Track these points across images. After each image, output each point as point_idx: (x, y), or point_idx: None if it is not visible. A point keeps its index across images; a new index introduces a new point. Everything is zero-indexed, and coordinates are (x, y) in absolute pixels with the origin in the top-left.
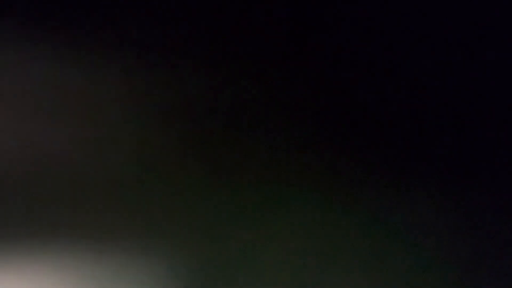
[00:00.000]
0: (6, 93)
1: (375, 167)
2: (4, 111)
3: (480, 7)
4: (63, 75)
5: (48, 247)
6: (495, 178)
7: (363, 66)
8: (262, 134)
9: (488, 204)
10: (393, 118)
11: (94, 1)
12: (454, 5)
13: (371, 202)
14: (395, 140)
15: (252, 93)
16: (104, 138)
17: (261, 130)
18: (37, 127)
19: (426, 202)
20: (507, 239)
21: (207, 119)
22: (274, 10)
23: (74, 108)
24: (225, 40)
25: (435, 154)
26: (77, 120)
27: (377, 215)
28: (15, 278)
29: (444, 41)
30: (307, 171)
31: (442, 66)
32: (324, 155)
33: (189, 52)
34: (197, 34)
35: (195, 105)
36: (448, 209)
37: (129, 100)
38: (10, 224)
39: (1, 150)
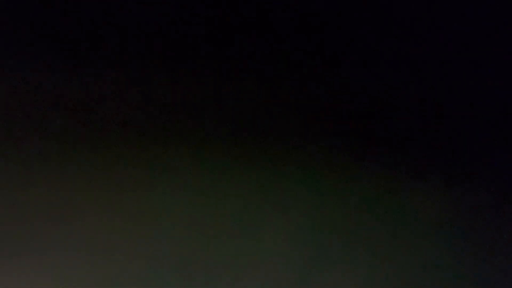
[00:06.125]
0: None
1: (377, 165)
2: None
3: (481, 7)
4: (62, 75)
5: (47, 248)
6: (497, 172)
7: (366, 62)
8: (263, 132)
9: (490, 197)
10: (397, 113)
11: (93, 1)
12: (454, 4)
13: (373, 198)
14: (398, 135)
15: (251, 92)
16: (104, 138)
17: (261, 129)
18: (36, 127)
19: (430, 198)
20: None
21: (208, 118)
22: (275, 9)
23: (73, 108)
24: (227, 40)
25: (438, 150)
26: (77, 120)
27: (379, 214)
28: (15, 278)
29: (445, 39)
30: (309, 169)
31: (446, 64)
32: (326, 152)
33: (189, 52)
34: (199, 33)
35: (195, 105)
36: (451, 205)
37: (129, 100)
38: (9, 225)
39: (1, 150)
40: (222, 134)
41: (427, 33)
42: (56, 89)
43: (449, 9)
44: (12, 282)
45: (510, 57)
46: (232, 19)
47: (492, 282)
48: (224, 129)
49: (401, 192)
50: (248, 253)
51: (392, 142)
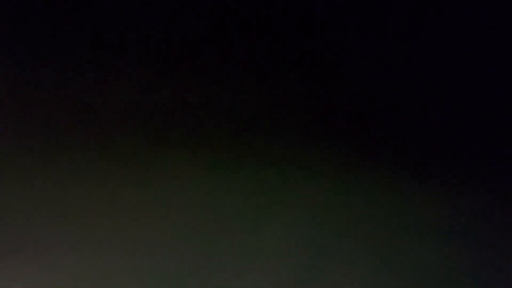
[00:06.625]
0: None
1: (378, 165)
2: (4, 111)
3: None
4: (64, 75)
5: (47, 247)
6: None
7: (367, 63)
8: (263, 133)
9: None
10: (397, 114)
11: (94, 1)
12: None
13: (374, 198)
14: (399, 135)
15: (252, 92)
16: (104, 137)
17: (262, 128)
18: (37, 126)
19: (431, 198)
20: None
21: (208, 118)
22: (275, 9)
23: (73, 107)
24: (226, 40)
25: (439, 150)
26: (77, 119)
27: (380, 213)
28: (15, 277)
29: (446, 39)
30: (310, 169)
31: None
32: (327, 152)
33: (189, 51)
34: (198, 34)
35: (197, 104)
36: (453, 207)
37: (130, 100)
38: (9, 225)
39: (1, 149)
40: (224, 133)
41: (429, 32)
42: (56, 89)
43: (449, 9)
44: (10, 282)
45: (510, 57)
46: (232, 19)
47: (492, 282)
48: (226, 128)
49: (403, 192)
50: (250, 252)
51: (394, 143)
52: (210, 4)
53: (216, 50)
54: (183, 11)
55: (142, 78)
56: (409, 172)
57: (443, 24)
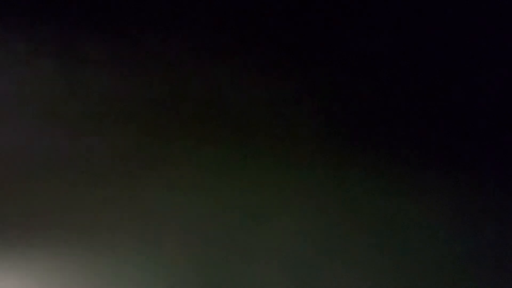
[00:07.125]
0: (6, 92)
1: (380, 166)
2: (3, 110)
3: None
4: (64, 73)
5: (46, 247)
6: (498, 172)
7: (367, 64)
8: (264, 131)
9: (489, 197)
10: (400, 114)
11: (94, 1)
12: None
13: (374, 201)
14: (401, 136)
15: (253, 91)
16: (104, 137)
17: (263, 127)
18: (35, 126)
19: (432, 198)
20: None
21: (208, 117)
22: (277, 9)
23: (73, 106)
24: (228, 39)
25: (440, 150)
26: (76, 118)
27: (380, 214)
28: (14, 278)
29: (444, 38)
30: (312, 171)
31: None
32: (329, 154)
33: (189, 50)
34: (199, 33)
35: (195, 103)
36: (450, 206)
37: (129, 99)
38: (8, 224)
39: (0, 150)
40: (225, 131)
41: (429, 31)
42: (56, 86)
43: (448, 9)
44: (7, 281)
45: (511, 57)
46: (231, 21)
47: (492, 282)
48: (227, 127)
49: (403, 192)
50: (250, 252)
51: (394, 142)
52: (210, 2)
53: (216, 48)
54: (184, 9)
55: (142, 76)
56: (409, 172)
57: (443, 23)
